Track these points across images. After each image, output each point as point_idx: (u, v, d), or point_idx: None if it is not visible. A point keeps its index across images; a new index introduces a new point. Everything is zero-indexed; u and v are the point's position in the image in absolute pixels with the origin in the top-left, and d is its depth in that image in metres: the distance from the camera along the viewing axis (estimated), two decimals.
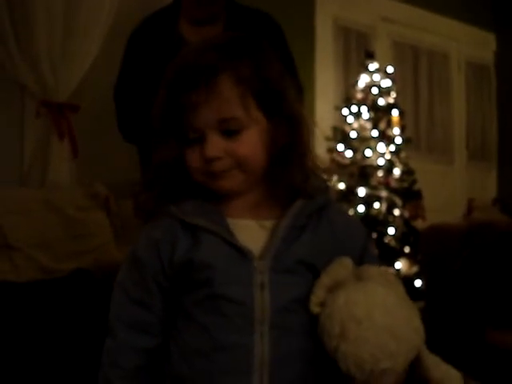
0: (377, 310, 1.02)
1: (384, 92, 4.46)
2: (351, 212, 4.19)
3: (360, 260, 1.16)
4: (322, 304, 1.08)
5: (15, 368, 2.34)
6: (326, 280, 1.09)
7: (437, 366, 1.07)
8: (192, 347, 1.10)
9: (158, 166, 1.16)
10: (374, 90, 4.45)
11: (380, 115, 4.41)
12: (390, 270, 1.06)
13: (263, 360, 1.07)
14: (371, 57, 4.60)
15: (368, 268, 1.11)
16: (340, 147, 4.37)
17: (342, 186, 4.33)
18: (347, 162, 4.34)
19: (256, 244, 1.11)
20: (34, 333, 2.43)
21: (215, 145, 1.09)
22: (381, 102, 4.43)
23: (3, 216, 2.76)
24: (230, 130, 1.09)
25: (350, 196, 4.26)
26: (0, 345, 2.35)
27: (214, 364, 1.07)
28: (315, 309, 1.08)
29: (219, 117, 1.09)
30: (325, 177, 1.21)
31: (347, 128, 4.42)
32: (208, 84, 1.07)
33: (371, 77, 4.50)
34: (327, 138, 4.48)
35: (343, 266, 1.10)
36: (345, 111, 4.48)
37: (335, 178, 4.37)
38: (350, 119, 4.44)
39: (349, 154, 4.35)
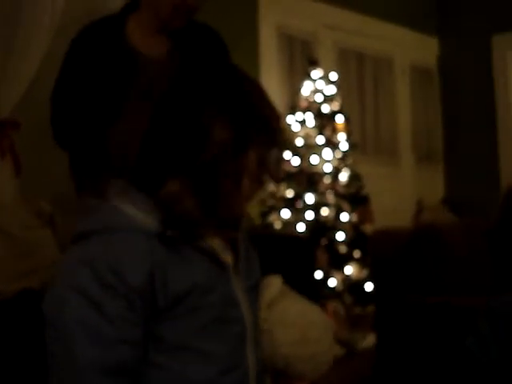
0: (319, 313, 1.13)
1: (328, 99, 4.50)
2: (300, 219, 4.23)
3: None
4: (264, 319, 1.14)
5: None
6: (269, 297, 1.16)
7: None
8: (191, 378, 1.02)
9: None
10: (318, 97, 4.48)
11: (325, 122, 4.44)
12: None
13: (253, 374, 1.09)
14: (314, 64, 4.63)
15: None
16: (287, 155, 4.39)
17: (290, 193, 4.36)
18: (294, 169, 4.37)
19: (228, 261, 1.12)
20: None
21: None
22: (325, 108, 4.47)
23: None
24: None
25: (298, 203, 4.28)
26: None
27: None
28: (265, 325, 1.13)
29: None
30: None
31: (293, 136, 4.44)
32: None
33: (315, 84, 4.53)
34: None
35: (278, 284, 1.19)
36: (290, 119, 4.50)
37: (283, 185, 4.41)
38: (296, 127, 4.47)
39: (295, 161, 4.37)
